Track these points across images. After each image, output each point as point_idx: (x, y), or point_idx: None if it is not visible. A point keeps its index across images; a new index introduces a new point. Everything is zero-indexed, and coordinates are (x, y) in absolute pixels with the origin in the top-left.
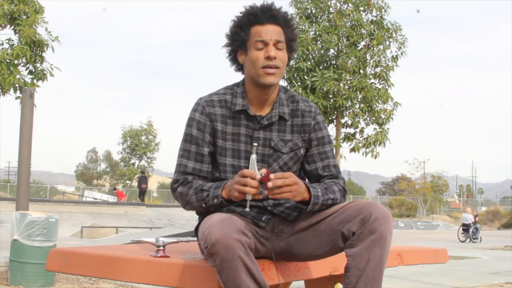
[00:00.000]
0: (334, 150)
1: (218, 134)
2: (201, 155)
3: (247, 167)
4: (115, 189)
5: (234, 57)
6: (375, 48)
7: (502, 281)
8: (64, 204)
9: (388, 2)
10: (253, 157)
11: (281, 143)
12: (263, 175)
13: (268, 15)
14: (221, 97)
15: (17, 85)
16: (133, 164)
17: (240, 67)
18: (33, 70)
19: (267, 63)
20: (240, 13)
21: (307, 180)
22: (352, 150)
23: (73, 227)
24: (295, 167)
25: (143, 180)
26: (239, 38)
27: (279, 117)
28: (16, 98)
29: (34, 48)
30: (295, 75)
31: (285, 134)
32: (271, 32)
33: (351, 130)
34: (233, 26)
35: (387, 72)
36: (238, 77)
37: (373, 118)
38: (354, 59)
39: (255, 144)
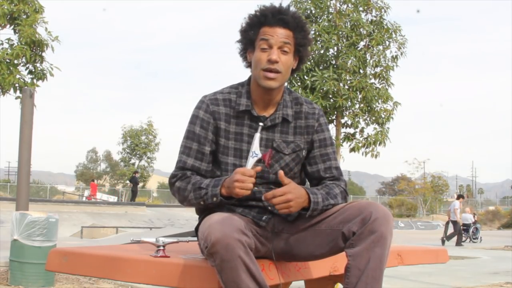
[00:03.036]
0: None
1: (221, 133)
2: (202, 153)
3: None
4: (93, 180)
5: (244, 54)
6: (374, 48)
7: (502, 281)
8: (64, 204)
9: (388, 2)
10: (257, 135)
11: (283, 144)
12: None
13: (278, 18)
14: (225, 96)
15: (17, 85)
16: (133, 164)
17: (249, 64)
18: (33, 70)
19: (268, 66)
20: (254, 11)
21: (308, 182)
22: (352, 150)
23: (73, 227)
24: (297, 168)
25: (132, 180)
26: (248, 37)
27: (282, 118)
28: (16, 98)
29: (34, 48)
30: (295, 75)
31: (287, 136)
32: (278, 34)
33: (351, 130)
34: (245, 24)
35: (387, 72)
36: (238, 78)
37: (373, 118)
38: (354, 59)
39: (261, 124)
